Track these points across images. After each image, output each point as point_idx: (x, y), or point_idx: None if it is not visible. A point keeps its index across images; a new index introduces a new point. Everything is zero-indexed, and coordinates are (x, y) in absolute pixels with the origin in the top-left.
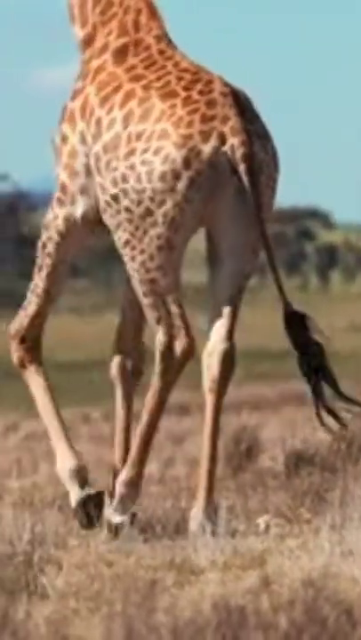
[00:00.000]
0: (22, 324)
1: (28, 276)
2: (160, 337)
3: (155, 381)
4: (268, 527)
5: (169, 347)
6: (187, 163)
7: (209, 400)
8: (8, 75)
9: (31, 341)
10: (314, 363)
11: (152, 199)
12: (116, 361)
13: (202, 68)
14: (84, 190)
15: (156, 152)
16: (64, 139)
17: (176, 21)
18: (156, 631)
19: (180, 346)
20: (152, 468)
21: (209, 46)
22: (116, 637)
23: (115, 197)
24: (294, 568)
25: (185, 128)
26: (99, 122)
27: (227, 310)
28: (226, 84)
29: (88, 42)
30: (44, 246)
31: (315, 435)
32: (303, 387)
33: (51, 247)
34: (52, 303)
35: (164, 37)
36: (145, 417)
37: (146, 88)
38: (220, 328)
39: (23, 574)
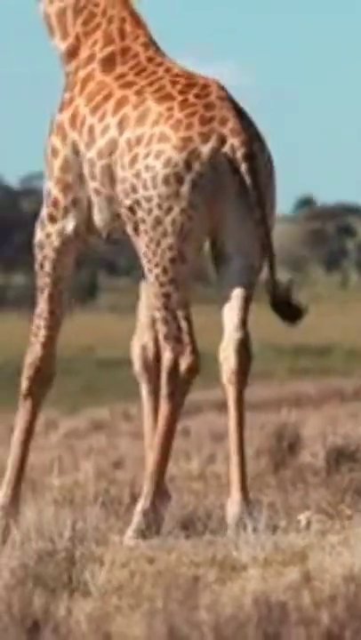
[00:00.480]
0: (37, 354)
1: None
2: (167, 354)
3: (163, 406)
4: (309, 523)
5: (175, 365)
6: (188, 165)
7: (230, 393)
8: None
9: (46, 374)
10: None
11: (160, 206)
12: (137, 357)
13: (194, 73)
14: (76, 203)
15: (157, 156)
16: (54, 152)
17: (177, 20)
18: (197, 628)
19: (185, 363)
20: (193, 464)
21: (210, 46)
22: (157, 634)
23: (130, 209)
24: (335, 564)
25: (184, 130)
26: (91, 130)
27: (238, 304)
28: (222, 88)
29: (72, 53)
30: (42, 266)
31: (356, 430)
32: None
33: (48, 266)
34: (58, 326)
35: (151, 44)
36: (157, 444)
37: (139, 93)
38: (232, 321)
39: (65, 571)
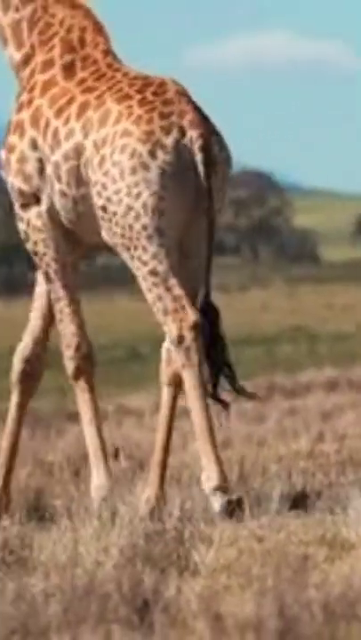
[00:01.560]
0: (71, 332)
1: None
2: (170, 327)
3: (185, 377)
4: None
5: (180, 334)
6: (153, 154)
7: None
8: (160, 51)
9: (85, 347)
10: (220, 358)
11: (129, 194)
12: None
13: (149, 75)
14: (41, 190)
15: (122, 150)
16: (11, 148)
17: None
18: (307, 607)
19: (187, 324)
20: (301, 443)
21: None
22: (267, 613)
23: (103, 208)
24: None
25: (146, 125)
26: (56, 133)
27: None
28: (177, 84)
29: (26, 61)
30: (36, 253)
31: None
32: None
33: (41, 248)
34: (76, 298)
35: (110, 52)
36: (195, 417)
37: (99, 97)
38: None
39: (174, 551)
